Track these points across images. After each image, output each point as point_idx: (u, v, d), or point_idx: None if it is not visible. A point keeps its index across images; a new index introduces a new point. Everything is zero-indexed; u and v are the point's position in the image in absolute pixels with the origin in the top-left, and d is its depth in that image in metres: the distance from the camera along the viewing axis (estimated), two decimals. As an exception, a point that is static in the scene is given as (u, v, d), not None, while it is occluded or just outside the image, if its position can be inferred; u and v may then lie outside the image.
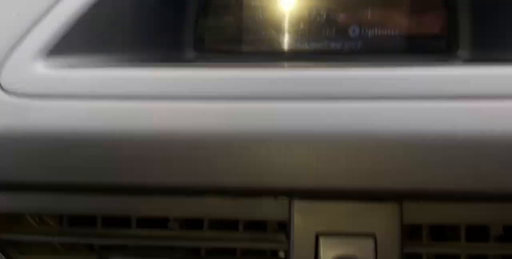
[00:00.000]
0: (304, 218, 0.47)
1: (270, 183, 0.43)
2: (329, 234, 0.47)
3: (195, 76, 0.43)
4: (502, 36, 0.49)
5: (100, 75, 0.44)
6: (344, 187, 0.43)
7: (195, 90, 0.42)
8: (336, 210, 0.47)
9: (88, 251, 0.52)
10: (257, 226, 0.50)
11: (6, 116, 0.43)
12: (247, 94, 0.42)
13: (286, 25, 0.58)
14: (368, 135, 0.41)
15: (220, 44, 0.58)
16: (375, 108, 0.41)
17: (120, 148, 0.43)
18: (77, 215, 0.51)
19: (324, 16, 0.57)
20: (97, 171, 0.43)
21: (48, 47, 0.44)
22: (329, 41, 0.57)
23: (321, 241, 0.46)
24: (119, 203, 0.48)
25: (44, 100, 0.43)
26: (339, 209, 0.47)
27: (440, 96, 0.41)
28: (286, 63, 0.55)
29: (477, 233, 0.49)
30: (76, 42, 0.46)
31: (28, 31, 0.45)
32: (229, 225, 0.50)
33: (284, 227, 0.48)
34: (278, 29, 0.58)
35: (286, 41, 0.58)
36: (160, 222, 0.51)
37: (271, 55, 0.57)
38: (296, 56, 0.57)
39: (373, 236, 0.46)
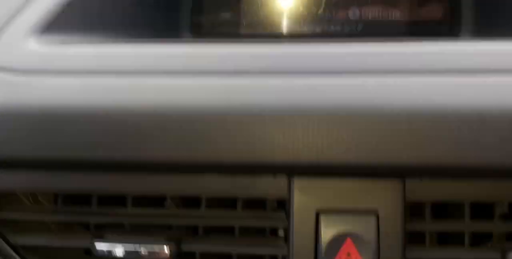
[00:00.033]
0: (304, 195, 0.46)
1: (269, 158, 0.42)
2: (330, 212, 0.46)
3: (190, 52, 0.43)
4: (504, 23, 0.49)
5: (94, 51, 0.44)
6: (345, 162, 0.42)
7: (190, 65, 0.42)
8: (337, 187, 0.46)
9: (83, 231, 0.51)
10: (255, 205, 0.49)
11: None
12: (244, 69, 0.42)
13: (284, 7, 0.57)
14: (370, 110, 0.40)
15: (218, 27, 0.57)
16: (377, 82, 0.41)
17: (114, 123, 0.42)
18: (72, 193, 0.50)
19: (324, -2, 0.56)
20: (91, 146, 0.43)
21: (41, 24, 0.45)
22: (328, 24, 0.57)
23: (322, 218, 0.46)
24: (114, 181, 0.47)
25: (37, 76, 0.43)
26: (340, 186, 0.46)
27: (441, 71, 0.40)
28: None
29: (481, 212, 0.48)
30: (70, 19, 0.46)
31: (21, 8, 0.45)
32: (228, 205, 0.49)
33: (283, 205, 0.47)
34: (277, 12, 0.57)
35: (284, 24, 0.57)
36: (157, 202, 0.50)
37: (270, 37, 0.56)
38: (295, 39, 0.56)
39: (375, 213, 0.45)
